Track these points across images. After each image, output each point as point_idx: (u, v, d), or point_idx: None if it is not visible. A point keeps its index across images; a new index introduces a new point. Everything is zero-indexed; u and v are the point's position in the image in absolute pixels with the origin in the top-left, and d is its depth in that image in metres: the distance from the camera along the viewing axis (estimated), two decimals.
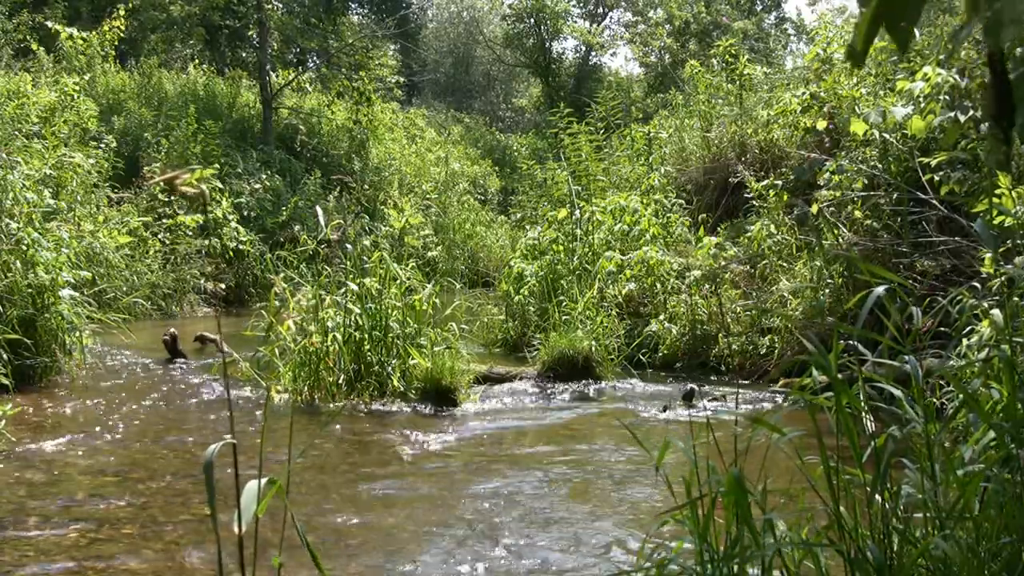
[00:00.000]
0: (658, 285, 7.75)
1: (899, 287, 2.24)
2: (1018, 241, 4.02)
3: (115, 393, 6.07)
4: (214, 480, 1.55)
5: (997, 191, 4.32)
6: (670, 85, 21.69)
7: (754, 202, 7.85)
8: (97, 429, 5.10)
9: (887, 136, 6.39)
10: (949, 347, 4.05)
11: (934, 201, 5.68)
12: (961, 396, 2.39)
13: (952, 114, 4.98)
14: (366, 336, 6.15)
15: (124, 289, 9.53)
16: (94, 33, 14.58)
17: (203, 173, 10.52)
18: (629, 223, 8.72)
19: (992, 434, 2.22)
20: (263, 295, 10.49)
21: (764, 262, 7.34)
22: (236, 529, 1.54)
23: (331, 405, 5.82)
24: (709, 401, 5.99)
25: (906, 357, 2.17)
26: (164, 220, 11.12)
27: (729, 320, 7.10)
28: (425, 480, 4.40)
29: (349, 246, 6.53)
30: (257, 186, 13.24)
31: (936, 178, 5.54)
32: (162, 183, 1.51)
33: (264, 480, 1.61)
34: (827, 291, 6.39)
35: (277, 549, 1.90)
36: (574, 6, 32.41)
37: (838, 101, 7.74)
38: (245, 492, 1.58)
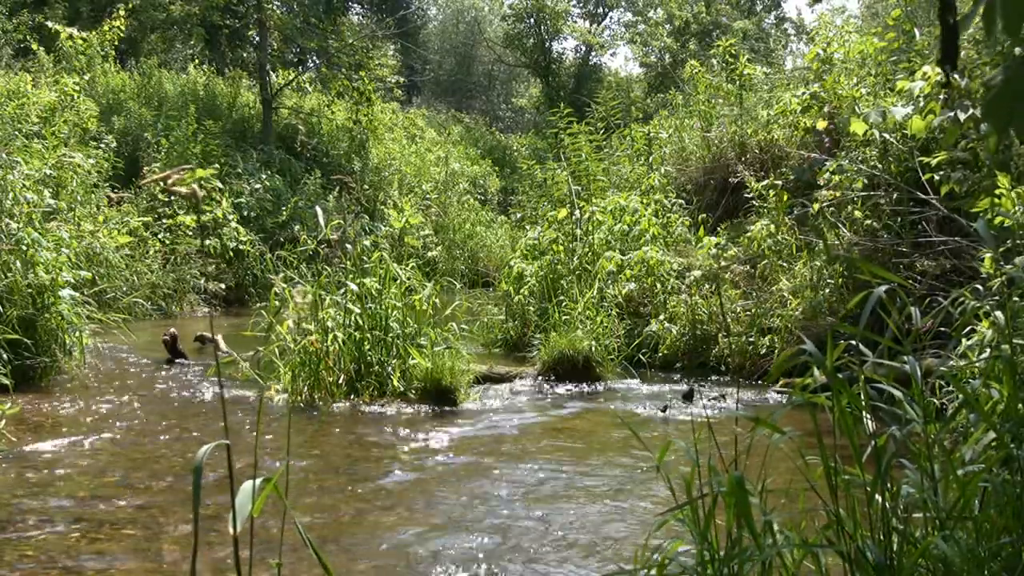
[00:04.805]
0: (658, 285, 7.75)
1: (899, 287, 2.24)
2: (1018, 241, 4.02)
3: (115, 393, 6.07)
4: (201, 484, 1.54)
5: (997, 191, 4.32)
6: (670, 85, 21.70)
7: (754, 202, 7.85)
8: (97, 429, 5.10)
9: (887, 136, 6.39)
10: (949, 347, 4.05)
11: (934, 201, 5.68)
12: (961, 396, 2.39)
13: (952, 114, 4.98)
14: (366, 336, 6.15)
15: (124, 289, 9.54)
16: (94, 33, 14.58)
17: (201, 173, 10.54)
18: (629, 223, 8.72)
19: (992, 434, 2.22)
20: (263, 295, 10.49)
21: (764, 262, 7.34)
22: (231, 529, 1.54)
23: (331, 405, 5.82)
24: (709, 401, 5.99)
25: (906, 357, 2.17)
26: (164, 220, 11.13)
27: (729, 320, 7.10)
28: (425, 480, 4.40)
29: (349, 246, 6.53)
30: (257, 186, 13.24)
31: (936, 178, 5.53)
32: (160, 183, 1.50)
33: (259, 480, 1.60)
34: (827, 291, 6.39)
35: (282, 550, 1.90)
36: (574, 6, 32.44)
37: (838, 101, 7.74)
38: (240, 492, 1.58)
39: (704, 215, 8.93)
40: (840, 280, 6.36)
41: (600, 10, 33.60)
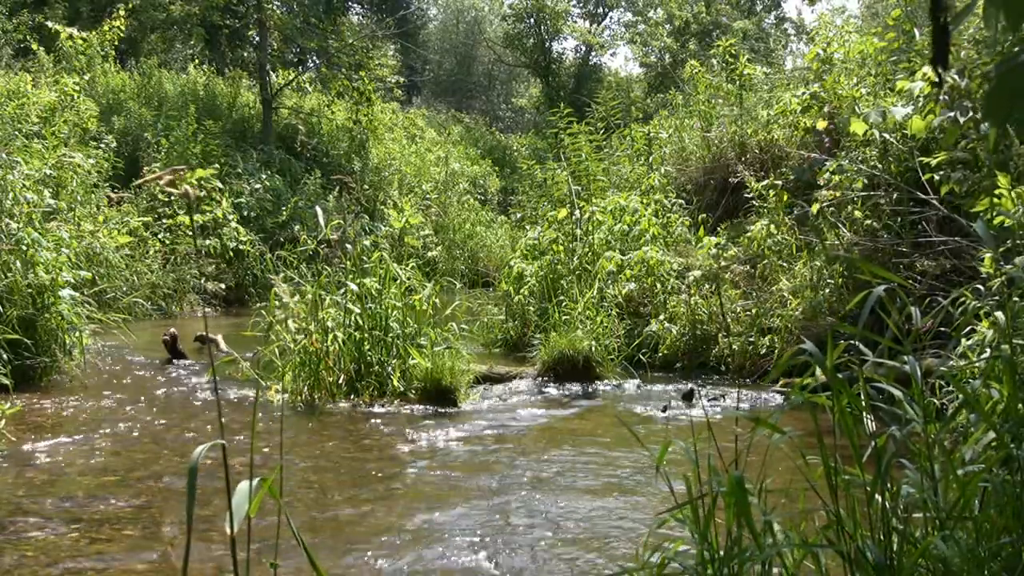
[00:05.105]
0: (658, 285, 7.75)
1: (899, 287, 2.24)
2: (1018, 241, 4.01)
3: (115, 393, 6.07)
4: (196, 484, 1.54)
5: (997, 191, 4.31)
6: (670, 85, 21.70)
7: (754, 202, 7.85)
8: (97, 429, 5.10)
9: (887, 136, 6.39)
10: (949, 347, 4.05)
11: (934, 201, 5.68)
12: (961, 396, 2.39)
13: (952, 114, 4.98)
14: (366, 336, 6.15)
15: (124, 289, 9.53)
16: (94, 33, 14.57)
17: (201, 173, 10.54)
18: (629, 223, 8.72)
19: (992, 434, 2.22)
20: (263, 295, 10.50)
21: (764, 262, 7.34)
22: (228, 530, 1.54)
23: (331, 405, 5.82)
24: (709, 401, 5.99)
25: (906, 357, 2.17)
26: (164, 220, 11.13)
27: (729, 320, 7.10)
28: (425, 480, 4.40)
29: (349, 246, 6.53)
30: (257, 186, 13.24)
31: (936, 178, 5.53)
32: (157, 183, 1.50)
33: (256, 480, 1.60)
34: (827, 291, 6.38)
35: (283, 550, 1.90)
36: (574, 6, 32.44)
37: (838, 101, 7.74)
38: (237, 492, 1.58)
39: (704, 215, 8.92)
40: (840, 280, 6.36)
41: (600, 10, 33.60)
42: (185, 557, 1.59)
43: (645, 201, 9.17)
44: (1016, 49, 1.09)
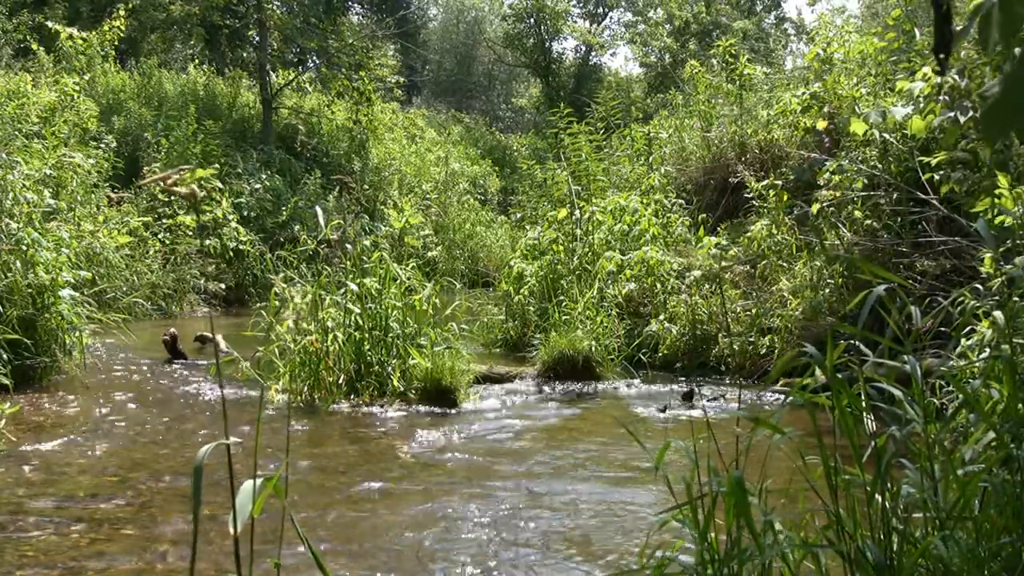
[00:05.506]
0: (658, 285, 7.75)
1: (899, 287, 2.24)
2: (1018, 241, 4.02)
3: (115, 393, 6.07)
4: (201, 484, 1.54)
5: (997, 191, 4.31)
6: (670, 85, 21.70)
7: (754, 202, 7.85)
8: (97, 429, 5.10)
9: (887, 136, 6.39)
10: (949, 347, 4.05)
11: (934, 201, 5.68)
12: (961, 396, 2.39)
13: (952, 114, 4.98)
14: (366, 336, 6.15)
15: (124, 289, 9.54)
16: (94, 33, 14.58)
17: (201, 173, 10.54)
18: (629, 223, 8.72)
19: (992, 434, 2.22)
20: (263, 295, 10.50)
21: (764, 262, 7.34)
22: (232, 529, 1.54)
23: (331, 405, 5.82)
24: (709, 401, 5.99)
25: (906, 357, 2.17)
26: (164, 220, 11.13)
27: (729, 320, 7.10)
28: (425, 479, 4.40)
29: (349, 246, 6.53)
30: (257, 186, 13.24)
31: (936, 178, 5.53)
32: (160, 183, 1.50)
33: (259, 480, 1.60)
34: (827, 291, 6.39)
35: (283, 550, 1.90)
36: (574, 6, 32.45)
37: (838, 101, 7.74)
38: (240, 492, 1.57)
39: (704, 215, 8.93)
40: (840, 280, 6.36)
41: (600, 10, 33.61)
42: (192, 556, 1.59)
43: (645, 201, 9.17)
44: (1017, 51, 1.09)
